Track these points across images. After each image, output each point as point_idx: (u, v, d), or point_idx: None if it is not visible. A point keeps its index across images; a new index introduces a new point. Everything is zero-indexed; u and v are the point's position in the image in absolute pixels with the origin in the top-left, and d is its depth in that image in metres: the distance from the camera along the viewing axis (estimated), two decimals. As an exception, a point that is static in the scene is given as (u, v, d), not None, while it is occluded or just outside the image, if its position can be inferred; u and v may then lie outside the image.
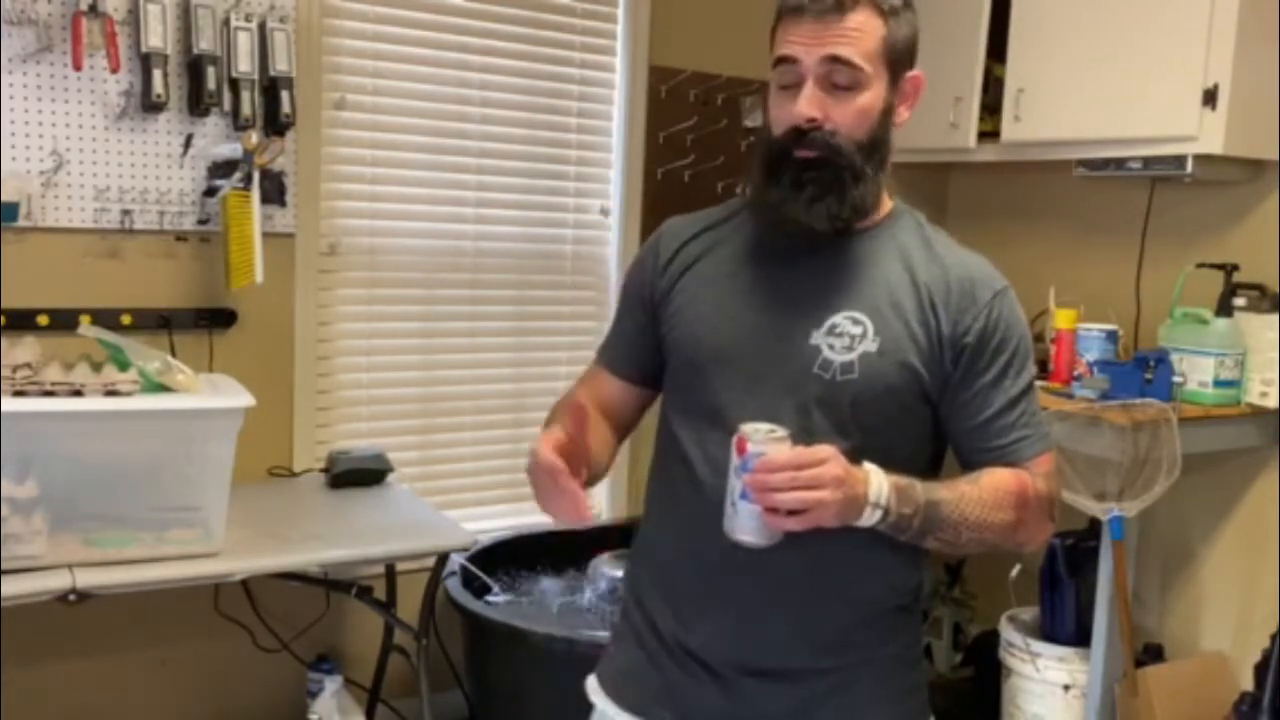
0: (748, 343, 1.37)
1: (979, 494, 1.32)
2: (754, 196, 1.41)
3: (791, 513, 1.19)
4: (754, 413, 1.29)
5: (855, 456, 1.26)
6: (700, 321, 1.41)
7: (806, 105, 1.31)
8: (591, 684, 1.55)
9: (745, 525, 1.23)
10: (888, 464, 1.28)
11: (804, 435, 1.28)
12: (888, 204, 1.43)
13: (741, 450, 1.22)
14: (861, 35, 1.31)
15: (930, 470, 1.41)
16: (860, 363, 1.33)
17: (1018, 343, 1.38)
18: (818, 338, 1.35)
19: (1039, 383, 2.87)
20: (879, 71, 1.33)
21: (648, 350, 1.49)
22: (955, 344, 1.36)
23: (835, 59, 1.30)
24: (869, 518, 1.24)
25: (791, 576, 1.35)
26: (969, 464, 1.39)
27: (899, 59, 1.35)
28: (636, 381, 1.52)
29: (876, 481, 1.24)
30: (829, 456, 1.20)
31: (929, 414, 1.39)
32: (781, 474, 1.18)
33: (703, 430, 1.38)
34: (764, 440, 1.22)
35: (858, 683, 1.41)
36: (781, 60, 1.33)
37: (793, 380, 1.34)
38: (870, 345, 1.34)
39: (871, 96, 1.33)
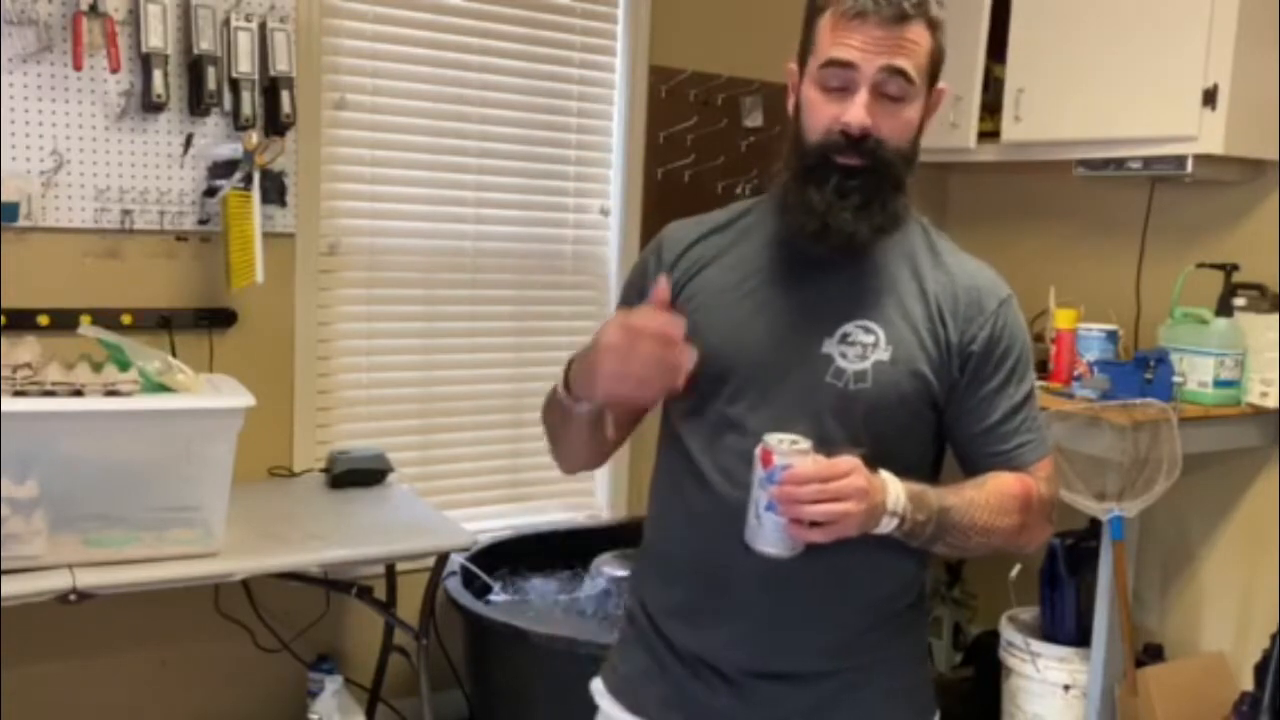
0: (760, 353, 1.37)
1: (986, 499, 1.33)
2: (788, 198, 1.37)
3: (815, 524, 1.19)
4: (767, 422, 1.28)
5: (867, 464, 1.27)
6: (712, 333, 1.39)
7: (864, 114, 1.29)
8: (597, 686, 1.54)
9: (769, 537, 1.23)
10: (897, 471, 1.28)
11: (817, 444, 1.28)
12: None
13: (767, 463, 1.21)
14: (917, 48, 1.30)
15: (933, 474, 1.42)
16: (873, 371, 1.33)
17: (1021, 350, 1.40)
18: (830, 347, 1.35)
19: (1039, 383, 2.89)
20: (923, 85, 1.33)
21: None
22: (962, 352, 1.37)
23: (894, 70, 1.29)
24: (886, 525, 1.24)
25: (805, 581, 1.34)
26: (972, 468, 1.40)
27: (937, 73, 1.35)
28: None
29: (894, 490, 1.25)
30: (853, 468, 1.20)
31: (935, 420, 1.39)
32: (808, 487, 1.18)
33: (713, 439, 1.37)
34: (789, 452, 1.21)
35: (870, 682, 1.41)
36: (834, 62, 1.30)
37: (806, 390, 1.34)
38: (883, 354, 1.34)
39: (916, 109, 1.33)
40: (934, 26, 1.32)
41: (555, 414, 1.44)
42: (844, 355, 1.34)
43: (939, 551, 1.34)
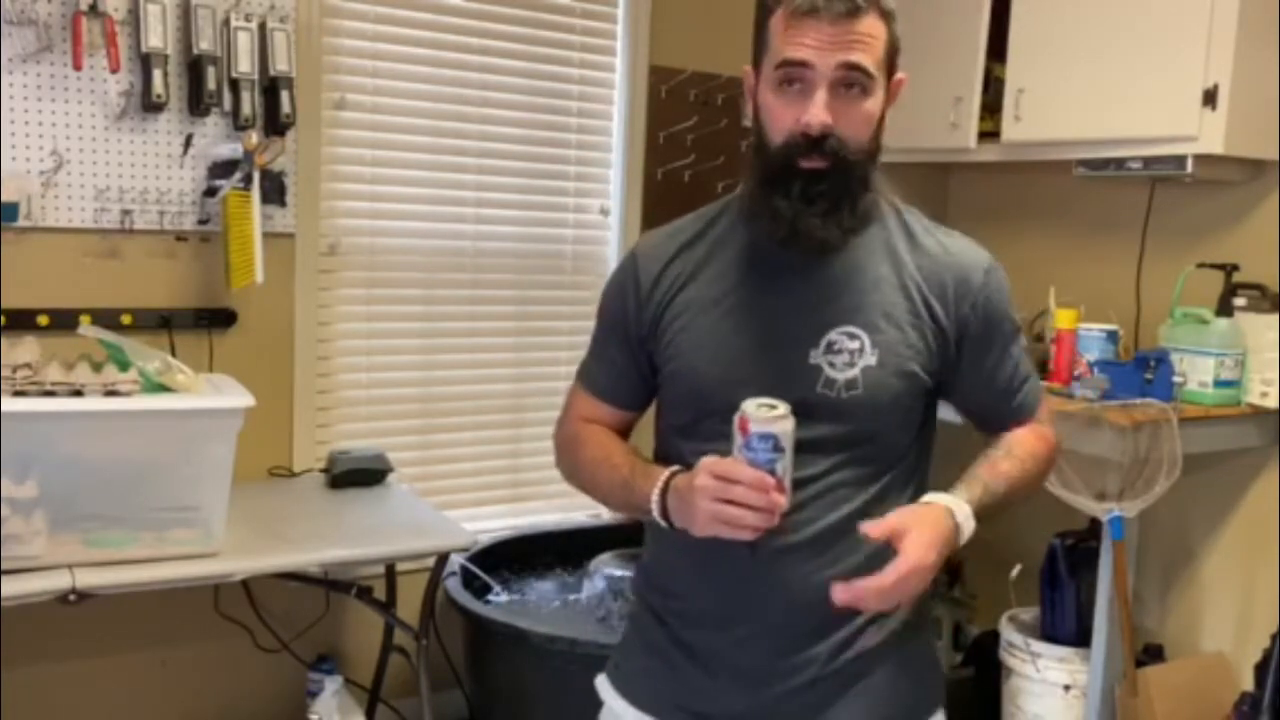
0: (748, 369, 1.36)
1: (1023, 470, 1.41)
2: (755, 206, 1.37)
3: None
4: None
5: (860, 463, 1.32)
6: (697, 352, 1.39)
7: (823, 113, 1.27)
8: (601, 681, 1.55)
9: None
10: (889, 462, 1.32)
11: (812, 452, 1.30)
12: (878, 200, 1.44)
13: (744, 430, 1.24)
14: (873, 40, 1.29)
15: (919, 450, 1.43)
16: (863, 378, 1.34)
17: (1009, 313, 1.44)
18: (816, 357, 1.35)
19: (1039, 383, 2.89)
20: (881, 78, 1.32)
21: (638, 379, 1.48)
22: (956, 334, 1.39)
23: (851, 65, 1.27)
24: (964, 538, 1.30)
25: (811, 581, 1.35)
26: (985, 425, 1.48)
27: (894, 63, 1.35)
28: (630, 407, 1.52)
29: (961, 512, 1.30)
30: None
31: (927, 402, 1.42)
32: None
33: (710, 449, 1.36)
34: (765, 419, 1.24)
35: (876, 675, 1.41)
36: (789, 63, 1.29)
37: (798, 400, 1.33)
38: (870, 359, 1.34)
39: (875, 102, 1.32)
40: (887, 17, 1.31)
41: (615, 498, 1.45)
42: (832, 365, 1.34)
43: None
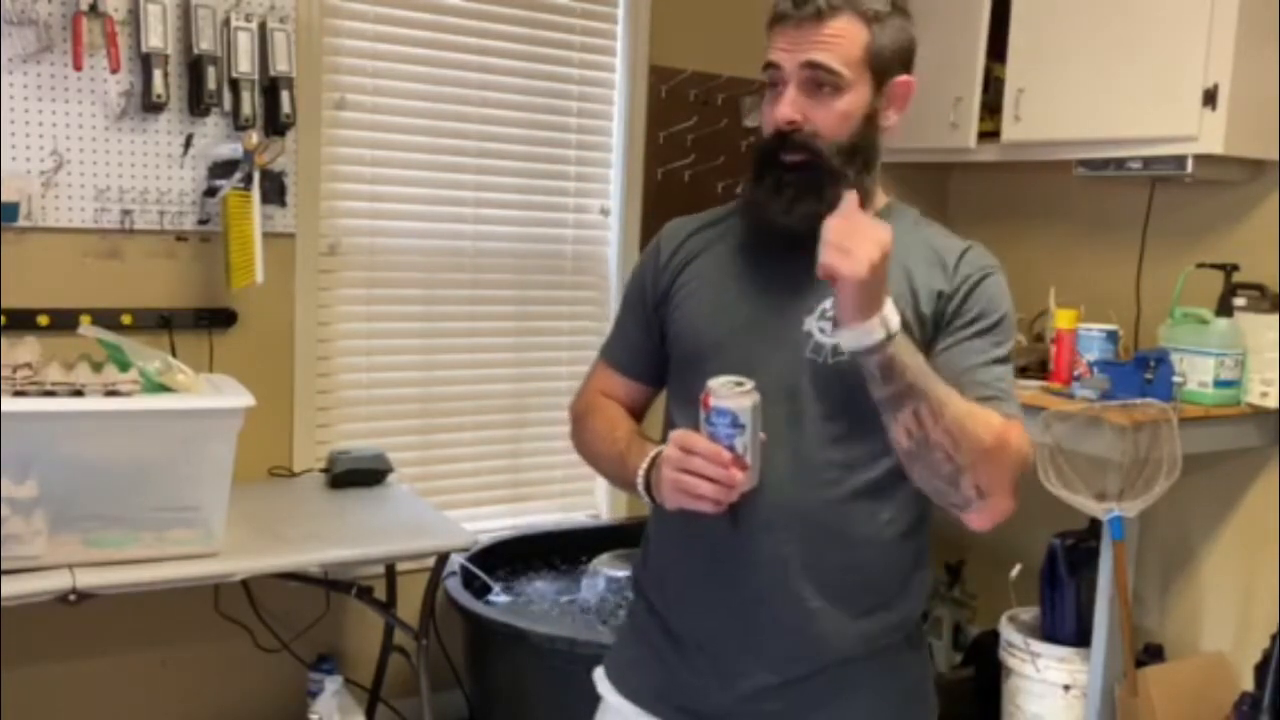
0: (743, 332, 1.41)
1: (967, 405, 1.27)
2: (744, 196, 1.45)
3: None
4: None
5: (849, 442, 1.33)
6: (699, 315, 1.45)
7: (787, 108, 1.34)
8: (599, 674, 1.57)
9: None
10: (879, 449, 1.31)
11: (795, 419, 1.33)
12: (882, 199, 1.45)
13: (705, 405, 1.27)
14: (841, 41, 1.33)
15: None
16: None
17: (1002, 316, 1.38)
18: (810, 323, 1.38)
19: (1039, 383, 2.89)
20: (861, 76, 1.35)
21: (653, 350, 1.52)
22: (937, 308, 1.37)
23: (813, 64, 1.33)
24: (870, 336, 1.21)
25: (795, 571, 1.36)
26: None
27: (885, 64, 1.37)
28: (645, 381, 1.55)
29: (892, 309, 1.22)
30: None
31: None
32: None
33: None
34: (728, 395, 1.26)
35: (861, 675, 1.41)
36: (768, 65, 1.37)
37: (787, 366, 1.37)
38: None
39: (852, 100, 1.35)
40: (870, 19, 1.34)
41: (612, 471, 1.49)
42: (823, 330, 1.37)
43: (896, 429, 1.27)
